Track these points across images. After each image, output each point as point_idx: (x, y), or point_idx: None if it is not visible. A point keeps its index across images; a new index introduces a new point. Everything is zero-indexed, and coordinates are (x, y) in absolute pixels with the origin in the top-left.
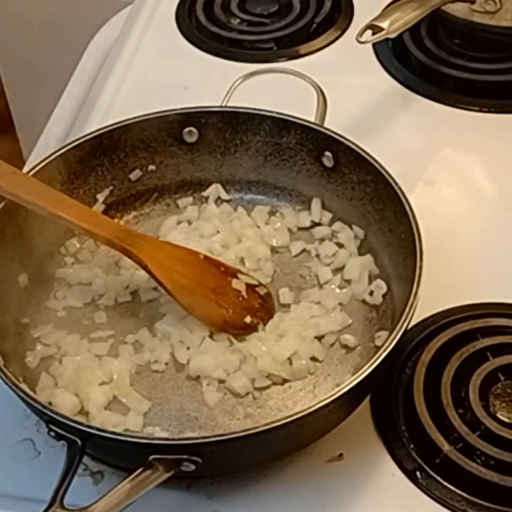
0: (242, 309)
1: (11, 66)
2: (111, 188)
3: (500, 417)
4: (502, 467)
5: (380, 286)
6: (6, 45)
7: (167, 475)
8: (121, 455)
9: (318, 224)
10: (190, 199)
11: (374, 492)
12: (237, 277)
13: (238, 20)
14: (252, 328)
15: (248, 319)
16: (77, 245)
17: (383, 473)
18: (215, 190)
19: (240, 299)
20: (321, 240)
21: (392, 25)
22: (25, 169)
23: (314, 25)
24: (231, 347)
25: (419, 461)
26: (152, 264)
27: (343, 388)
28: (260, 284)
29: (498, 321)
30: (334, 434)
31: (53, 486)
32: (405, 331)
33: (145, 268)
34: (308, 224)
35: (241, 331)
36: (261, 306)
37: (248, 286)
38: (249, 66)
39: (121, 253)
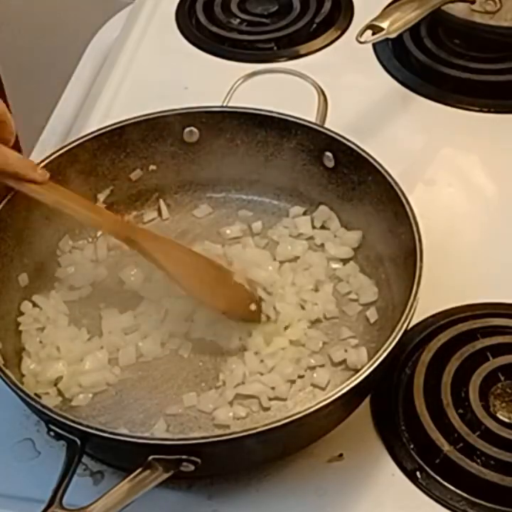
0: (246, 297)
1: (11, 66)
2: (111, 187)
3: (500, 417)
4: (502, 467)
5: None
6: (6, 45)
7: (166, 475)
8: (121, 455)
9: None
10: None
11: (374, 492)
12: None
13: (238, 20)
14: (256, 315)
15: (253, 306)
16: (80, 242)
17: (383, 473)
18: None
19: (244, 289)
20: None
21: (392, 25)
22: None
23: (314, 25)
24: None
25: (419, 461)
26: (158, 253)
27: (342, 388)
28: (256, 283)
29: (498, 321)
30: (334, 434)
31: (53, 486)
32: (405, 331)
33: (149, 256)
34: (309, 225)
35: (246, 317)
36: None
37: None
38: (250, 66)
39: (126, 244)
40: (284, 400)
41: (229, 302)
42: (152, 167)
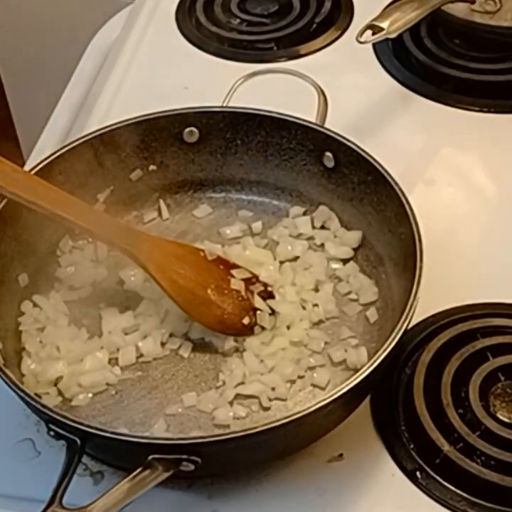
0: (240, 310)
1: (11, 66)
2: (112, 187)
3: (500, 417)
4: (502, 467)
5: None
6: (6, 45)
7: (166, 475)
8: (121, 455)
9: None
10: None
11: (374, 492)
12: (233, 276)
13: (238, 20)
14: (249, 329)
15: (246, 320)
16: (80, 242)
17: (383, 473)
18: None
19: (239, 299)
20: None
21: (392, 25)
22: (25, 169)
23: (314, 25)
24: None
25: (419, 461)
26: (150, 264)
27: (342, 388)
28: (257, 280)
29: (498, 321)
30: (334, 434)
31: (53, 486)
32: (405, 331)
33: (143, 267)
34: (309, 225)
35: (239, 332)
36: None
37: (247, 285)
38: (250, 66)
39: (121, 252)
40: (284, 400)
41: (221, 321)
42: (152, 167)
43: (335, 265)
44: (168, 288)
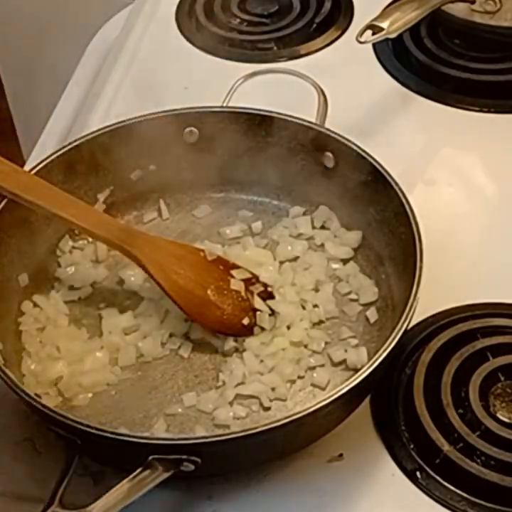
0: (240, 310)
1: (11, 66)
2: (111, 187)
3: (500, 417)
4: (502, 467)
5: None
6: (6, 45)
7: (166, 475)
8: (121, 455)
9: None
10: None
11: (374, 492)
12: (233, 276)
13: (238, 20)
14: (249, 330)
15: (246, 321)
16: (80, 242)
17: (383, 473)
18: None
19: (239, 299)
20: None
21: (392, 25)
22: (25, 169)
23: (314, 25)
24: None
25: (419, 461)
26: (150, 264)
27: (342, 388)
28: (257, 280)
29: (498, 321)
30: (334, 434)
31: (53, 486)
32: (405, 331)
33: (143, 268)
34: (309, 225)
35: (238, 333)
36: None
37: (247, 285)
38: (249, 66)
39: (121, 252)
40: (284, 400)
41: (221, 321)
42: (152, 167)
43: (335, 265)
44: (168, 288)
